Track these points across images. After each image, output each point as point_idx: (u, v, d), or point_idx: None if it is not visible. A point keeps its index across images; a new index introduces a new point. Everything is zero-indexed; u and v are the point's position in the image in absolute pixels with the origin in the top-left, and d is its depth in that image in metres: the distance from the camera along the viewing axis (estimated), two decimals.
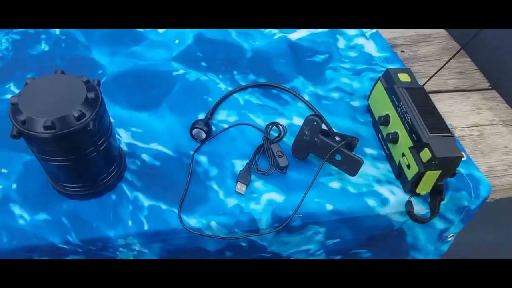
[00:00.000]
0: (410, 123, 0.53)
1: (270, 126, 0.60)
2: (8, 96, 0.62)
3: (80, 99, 0.41)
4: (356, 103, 0.67)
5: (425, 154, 0.50)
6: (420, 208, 0.54)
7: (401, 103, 0.55)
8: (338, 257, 0.61)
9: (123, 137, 0.59)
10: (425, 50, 0.81)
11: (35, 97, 0.41)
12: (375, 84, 0.63)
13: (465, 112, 0.70)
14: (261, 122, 0.63)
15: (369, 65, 0.74)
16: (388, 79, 0.60)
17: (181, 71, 0.69)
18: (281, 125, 0.61)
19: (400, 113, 0.55)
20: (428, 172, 0.50)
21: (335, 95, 0.68)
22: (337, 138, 0.55)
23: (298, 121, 0.63)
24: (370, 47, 0.77)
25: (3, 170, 0.53)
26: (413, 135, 0.52)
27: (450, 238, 0.60)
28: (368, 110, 0.65)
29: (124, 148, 0.57)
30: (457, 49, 0.80)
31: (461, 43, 0.83)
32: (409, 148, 0.52)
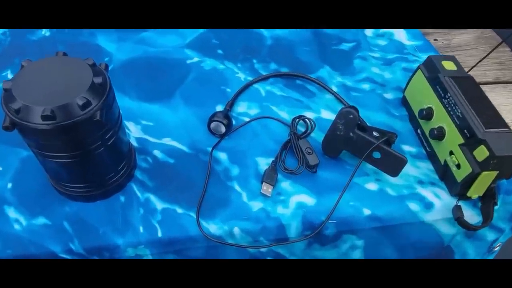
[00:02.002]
0: (461, 116, 0.46)
1: (297, 120, 0.54)
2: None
3: (85, 85, 0.35)
4: (389, 95, 0.61)
5: (481, 152, 0.43)
6: (469, 214, 0.48)
7: (448, 94, 0.49)
8: None
9: (133, 131, 0.53)
10: (460, 39, 0.74)
11: (33, 82, 0.35)
12: (414, 73, 0.56)
13: (509, 106, 0.63)
14: (285, 115, 0.56)
15: (400, 54, 0.68)
16: (431, 67, 0.53)
17: (195, 59, 0.63)
18: (308, 118, 0.54)
19: (447, 106, 0.49)
20: (484, 173, 0.43)
21: (366, 86, 0.62)
22: (374, 133, 0.49)
23: (327, 115, 0.57)
24: (401, 35, 0.71)
25: None
26: (465, 131, 0.45)
27: (497, 248, 0.54)
28: (404, 102, 0.59)
29: (134, 143, 0.51)
30: (493, 37, 0.73)
31: (497, 31, 0.76)
32: (459, 145, 0.46)
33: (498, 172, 0.44)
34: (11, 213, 0.43)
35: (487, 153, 0.42)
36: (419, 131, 0.55)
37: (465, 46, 0.73)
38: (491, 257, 0.56)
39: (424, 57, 0.67)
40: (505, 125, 0.45)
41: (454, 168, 0.47)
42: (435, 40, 0.74)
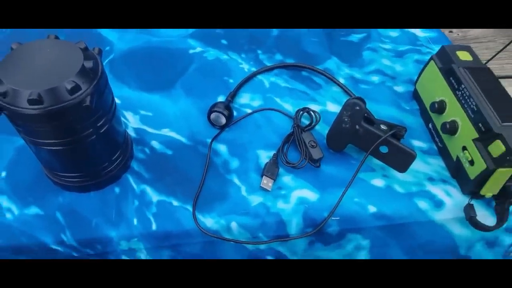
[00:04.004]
0: (476, 109, 0.43)
1: (301, 112, 0.52)
2: None
3: (75, 69, 0.33)
4: (399, 88, 0.58)
5: (497, 148, 0.40)
6: (482, 214, 0.45)
7: (463, 86, 0.46)
8: None
9: (131, 121, 0.51)
10: (478, 31, 0.70)
11: (21, 65, 0.34)
12: (426, 64, 0.53)
13: None
14: (289, 107, 0.54)
15: (413, 45, 0.65)
16: (444, 58, 0.50)
17: (198, 49, 0.62)
18: (313, 111, 0.52)
19: (460, 98, 0.46)
20: (500, 170, 0.41)
21: (375, 78, 0.59)
22: (382, 127, 0.46)
23: (333, 107, 0.55)
24: None
25: None
26: (480, 124, 0.43)
27: None
28: (415, 96, 0.56)
29: (132, 133, 0.50)
30: None
31: None
32: (473, 140, 0.43)
33: None
34: (4, 202, 0.42)
35: (503, 148, 0.40)
36: (430, 125, 0.52)
37: (482, 39, 0.69)
38: None
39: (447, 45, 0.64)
40: None
41: (467, 165, 0.44)
42: (450, 31, 0.70)
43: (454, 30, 0.70)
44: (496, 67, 0.65)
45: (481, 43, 0.68)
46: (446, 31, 0.70)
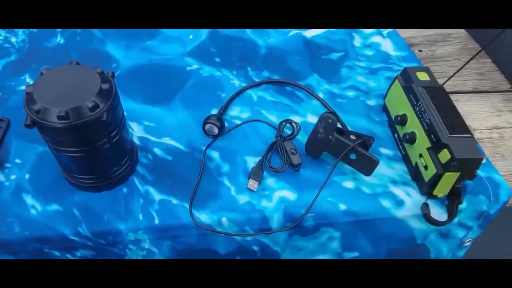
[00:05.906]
0: (429, 123, 0.51)
1: (284, 123, 0.59)
2: (24, 87, 0.62)
3: (94, 90, 0.41)
4: (371, 102, 0.66)
5: (444, 155, 0.48)
6: (436, 211, 0.52)
7: (420, 103, 0.54)
8: None
9: (136, 131, 0.58)
10: (444, 50, 0.79)
11: (50, 87, 0.41)
12: (392, 83, 0.61)
13: (484, 114, 0.68)
14: (274, 119, 0.62)
15: (385, 64, 0.73)
16: (406, 77, 0.58)
17: (194, 66, 0.69)
18: (294, 122, 0.60)
19: (418, 113, 0.54)
20: (447, 174, 0.48)
21: (350, 93, 0.67)
22: (352, 137, 0.54)
23: (312, 119, 0.62)
24: (387, 46, 0.76)
25: (17, 160, 0.53)
26: (432, 136, 0.51)
27: (467, 243, 0.58)
28: (384, 109, 0.64)
29: (137, 141, 0.57)
30: (477, 50, 0.78)
31: (481, 43, 0.81)
32: (427, 148, 0.51)
33: (460, 173, 0.49)
34: (28, 200, 0.50)
35: (449, 156, 0.47)
36: (395, 135, 0.59)
37: (448, 57, 0.77)
38: (462, 252, 0.60)
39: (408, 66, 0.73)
40: (468, 131, 0.50)
41: (422, 169, 0.52)
42: (420, 51, 0.79)
43: (424, 49, 0.79)
44: (459, 83, 0.73)
45: (447, 61, 0.77)
46: (416, 50, 0.78)
